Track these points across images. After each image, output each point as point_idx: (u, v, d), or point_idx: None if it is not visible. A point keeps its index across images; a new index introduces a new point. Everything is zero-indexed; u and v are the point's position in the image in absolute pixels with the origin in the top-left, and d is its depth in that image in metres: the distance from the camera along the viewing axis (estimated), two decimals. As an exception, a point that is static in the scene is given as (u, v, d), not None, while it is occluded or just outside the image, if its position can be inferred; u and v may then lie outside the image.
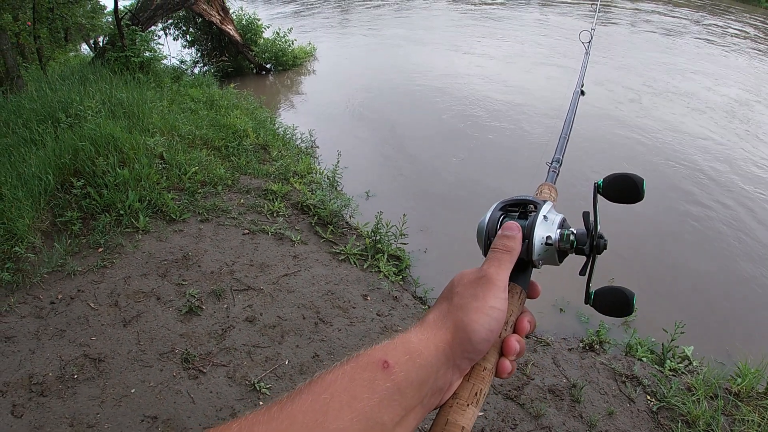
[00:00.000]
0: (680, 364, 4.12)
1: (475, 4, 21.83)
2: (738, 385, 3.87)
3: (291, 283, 4.33)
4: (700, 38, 16.76)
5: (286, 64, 12.74)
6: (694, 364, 4.23)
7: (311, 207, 5.47)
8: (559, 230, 0.76)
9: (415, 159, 7.97)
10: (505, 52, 14.36)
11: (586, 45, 1.96)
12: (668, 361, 4.10)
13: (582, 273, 0.78)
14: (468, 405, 0.67)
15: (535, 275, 0.81)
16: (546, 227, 0.76)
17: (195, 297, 3.97)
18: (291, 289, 4.25)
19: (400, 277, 4.73)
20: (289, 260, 4.65)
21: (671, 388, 3.67)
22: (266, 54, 12.68)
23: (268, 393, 3.20)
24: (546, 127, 9.18)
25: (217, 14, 11.32)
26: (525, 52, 14.30)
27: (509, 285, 0.73)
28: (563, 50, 13.75)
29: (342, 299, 4.20)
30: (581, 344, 4.20)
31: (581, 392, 3.55)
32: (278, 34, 12.92)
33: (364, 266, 4.69)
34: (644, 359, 4.09)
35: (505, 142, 8.74)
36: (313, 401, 0.56)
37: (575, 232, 0.75)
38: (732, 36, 17.18)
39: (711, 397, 3.69)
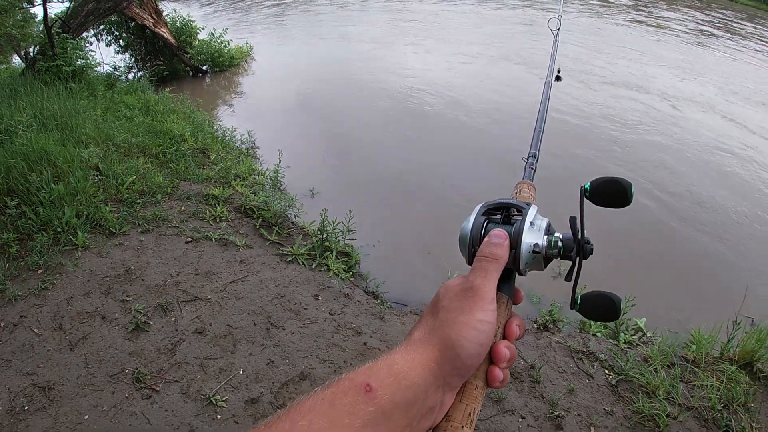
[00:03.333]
0: (634, 337, 4.32)
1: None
2: (693, 352, 4.06)
3: (239, 290, 4.30)
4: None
5: (223, 65, 12.51)
6: (648, 335, 4.42)
7: (255, 209, 5.42)
8: (546, 236, 0.74)
9: (361, 153, 8.04)
10: (452, 43, 14.68)
11: (555, 33, 1.89)
12: (622, 334, 4.28)
13: (568, 278, 0.77)
14: (462, 427, 0.66)
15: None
16: (533, 234, 0.74)
17: (141, 313, 3.90)
18: (239, 296, 4.22)
19: (350, 273, 4.78)
20: (235, 266, 4.61)
21: (628, 360, 3.84)
22: (202, 56, 12.41)
23: (224, 405, 3.19)
24: (491, 115, 9.43)
25: (150, 17, 10.96)
26: (473, 43, 14.61)
27: (496, 294, 0.71)
28: (505, 37, 14.17)
29: (293, 301, 4.21)
30: (535, 325, 4.35)
31: (540, 372, 3.69)
32: (213, 35, 12.64)
33: (313, 266, 4.71)
34: (598, 335, 4.26)
35: (451, 130, 8.90)
36: (291, 428, 0.54)
37: (562, 237, 0.74)
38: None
39: (668, 366, 3.87)
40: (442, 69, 12.41)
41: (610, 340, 4.18)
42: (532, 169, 1.06)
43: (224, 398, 3.25)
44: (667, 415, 3.41)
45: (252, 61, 13.60)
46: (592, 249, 0.74)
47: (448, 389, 0.66)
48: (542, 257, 0.74)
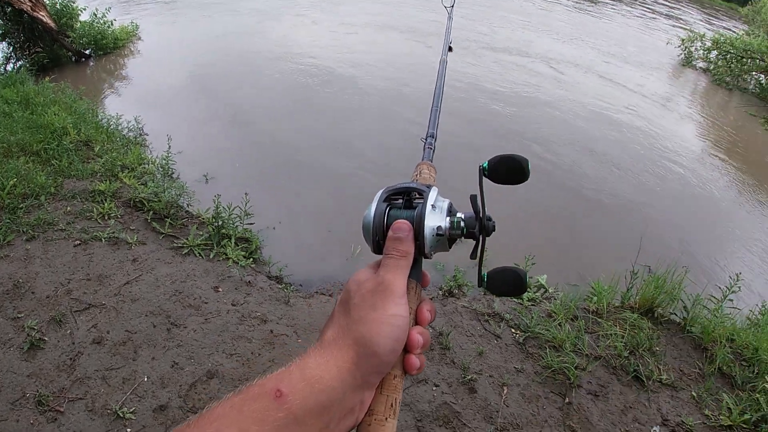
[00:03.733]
0: (537, 294, 4.63)
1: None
2: (595, 303, 4.41)
3: (134, 291, 4.20)
4: None
5: (107, 47, 11.53)
6: (550, 291, 4.75)
7: (145, 202, 5.26)
8: (448, 218, 0.75)
9: (256, 133, 7.92)
10: (351, 20, 14.43)
11: (449, 9, 1.88)
12: (527, 292, 4.58)
13: (473, 256, 0.78)
14: (386, 419, 0.66)
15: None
16: (435, 217, 0.74)
17: (35, 329, 3.76)
18: (135, 298, 4.13)
19: (251, 260, 4.79)
20: (128, 266, 4.49)
21: (533, 318, 4.12)
22: (84, 39, 11.32)
23: (133, 417, 3.20)
24: (386, 90, 9.49)
25: (27, 0, 10.05)
26: (373, 21, 14.44)
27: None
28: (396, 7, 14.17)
29: (192, 296, 4.20)
30: (440, 291, 4.57)
31: (449, 339, 3.93)
32: (96, 15, 11.72)
33: (211, 256, 4.68)
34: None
35: (349, 106, 8.92)
36: None
37: (464, 217, 0.75)
38: None
39: (572, 319, 4.20)
40: (340, 42, 12.34)
41: (515, 300, 4.44)
42: (431, 149, 1.05)
43: (131, 409, 3.25)
44: (576, 367, 3.73)
45: (138, 41, 12.75)
46: (494, 226, 0.76)
47: (368, 387, 0.66)
48: (446, 239, 0.75)
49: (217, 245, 4.81)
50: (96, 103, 8.79)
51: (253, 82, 9.90)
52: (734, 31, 14.59)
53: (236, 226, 5.11)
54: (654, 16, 17.92)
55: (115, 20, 12.07)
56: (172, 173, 6.32)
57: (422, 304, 0.75)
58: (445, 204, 0.77)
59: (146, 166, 6.33)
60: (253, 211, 5.22)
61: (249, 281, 4.47)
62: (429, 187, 0.79)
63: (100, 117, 7.66)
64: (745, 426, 3.49)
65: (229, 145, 7.50)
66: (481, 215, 0.75)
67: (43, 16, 10.49)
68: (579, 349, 3.87)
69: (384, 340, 0.65)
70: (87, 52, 11.63)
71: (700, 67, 12.69)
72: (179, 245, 4.79)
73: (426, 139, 1.07)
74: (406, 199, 0.79)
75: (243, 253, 4.81)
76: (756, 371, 3.95)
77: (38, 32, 11.14)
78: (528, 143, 7.98)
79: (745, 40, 12.06)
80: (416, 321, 0.73)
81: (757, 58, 11.48)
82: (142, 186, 5.52)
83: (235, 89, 9.59)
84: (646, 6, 19.49)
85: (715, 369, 3.93)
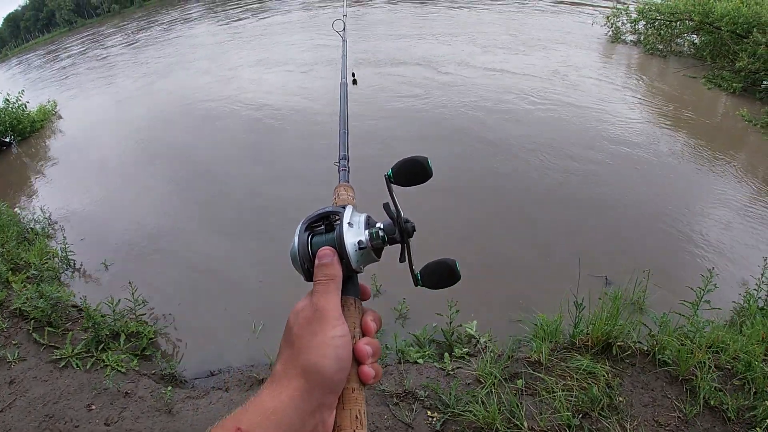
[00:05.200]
0: (464, 350, 3.84)
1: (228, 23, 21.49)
2: (536, 351, 3.51)
3: (7, 421, 3.69)
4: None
5: (25, 132, 11.32)
6: (482, 341, 3.95)
7: (28, 310, 4.84)
8: (367, 231, 0.77)
9: (152, 208, 7.34)
10: (273, 60, 14.41)
11: (342, 33, 1.90)
12: (456, 348, 3.85)
13: (402, 260, 0.81)
14: (354, 430, 0.68)
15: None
16: (354, 233, 0.77)
17: None
18: (7, 429, 3.69)
19: (135, 362, 4.30)
20: (4, 389, 4.02)
21: (452, 395, 3.25)
22: (0, 127, 11.16)
23: None
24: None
25: None
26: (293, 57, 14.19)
27: (342, 299, 0.74)
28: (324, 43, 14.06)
29: (63, 420, 3.69)
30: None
31: None
32: (8, 100, 11.41)
33: (89, 366, 4.24)
34: (420, 361, 3.76)
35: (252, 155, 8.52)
36: None
37: (382, 226, 0.78)
38: None
39: (507, 379, 3.35)
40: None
41: (435, 365, 3.67)
42: (346, 170, 1.07)
43: None
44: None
45: (58, 119, 12.50)
46: (413, 227, 0.79)
47: (326, 409, 0.67)
48: (370, 250, 0.77)
49: (96, 350, 4.35)
50: (17, 195, 8.38)
51: (148, 156, 9.31)
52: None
53: (126, 321, 4.67)
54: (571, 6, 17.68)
55: (28, 102, 11.76)
56: (73, 264, 5.90)
57: (365, 316, 0.77)
58: (362, 218, 0.80)
59: (50, 259, 5.88)
60: (149, 298, 4.79)
61: (127, 391, 3.91)
62: (344, 206, 0.81)
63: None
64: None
65: (128, 225, 6.87)
66: (398, 220, 0.78)
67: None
68: (516, 423, 2.97)
69: (329, 362, 0.66)
70: (6, 139, 11.31)
71: (631, 41, 12.36)
72: (57, 357, 4.32)
73: (339, 162, 1.10)
74: (326, 224, 0.81)
75: (127, 354, 4.32)
76: (752, 392, 3.10)
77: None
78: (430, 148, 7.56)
79: (670, 4, 11.77)
80: (363, 333, 0.75)
81: (686, 19, 11.20)
82: (33, 288, 5.05)
83: (135, 164, 9.05)
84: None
85: (700, 407, 3.05)
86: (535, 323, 3.82)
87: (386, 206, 0.78)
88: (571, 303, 3.64)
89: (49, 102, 12.60)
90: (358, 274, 0.79)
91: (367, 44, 13.88)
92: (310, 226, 0.81)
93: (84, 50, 23.09)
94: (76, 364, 4.22)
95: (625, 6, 13.07)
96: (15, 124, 11.31)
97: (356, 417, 0.69)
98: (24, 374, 4.18)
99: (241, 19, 22.79)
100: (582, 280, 3.97)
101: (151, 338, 4.59)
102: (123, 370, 4.15)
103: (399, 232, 0.78)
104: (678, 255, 5.15)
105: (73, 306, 5.09)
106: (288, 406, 0.64)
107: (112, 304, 4.58)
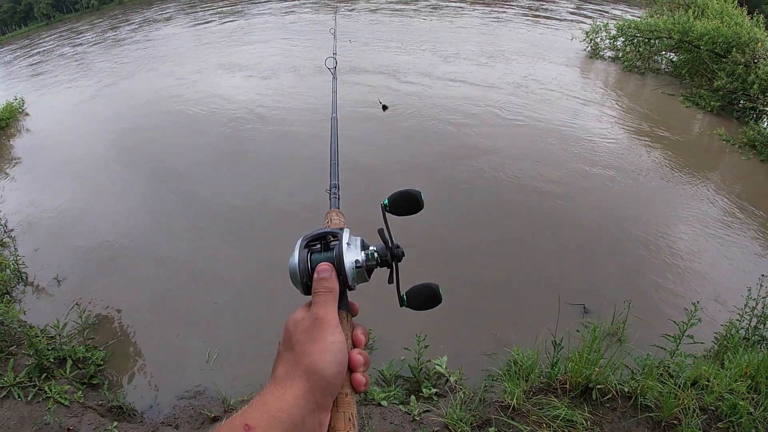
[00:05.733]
0: (433, 390, 3.56)
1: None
2: (509, 394, 3.19)
3: None
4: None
5: None
6: (452, 379, 3.65)
7: (-33, 334, 4.49)
8: (363, 252, 0.83)
9: (110, 222, 6.79)
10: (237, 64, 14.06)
11: (333, 70, 1.96)
12: (424, 387, 3.57)
13: (390, 281, 0.86)
14: (348, 430, 0.72)
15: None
16: (352, 253, 0.82)
17: None
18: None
19: (80, 392, 3.95)
20: (-66, 423, 3.75)
21: None
22: None
23: None
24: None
25: None
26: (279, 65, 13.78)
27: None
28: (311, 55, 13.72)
29: (-1, 460, 3.43)
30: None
31: None
32: None
33: (30, 397, 3.89)
34: (384, 403, 3.45)
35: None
36: None
37: (377, 249, 0.84)
38: None
39: (477, 426, 3.06)
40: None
41: (401, 408, 3.36)
42: (336, 197, 1.14)
43: None
44: None
45: (25, 117, 12.09)
46: (403, 252, 0.85)
47: (323, 410, 0.70)
48: (365, 270, 0.82)
49: (38, 379, 4.02)
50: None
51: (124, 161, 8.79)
52: (636, 16, 14.35)
53: (74, 347, 4.35)
54: (548, 20, 17.62)
55: (-6, 99, 11.38)
56: (25, 278, 5.54)
57: (355, 329, 0.82)
58: (357, 240, 0.86)
59: (2, 271, 5.50)
60: (107, 313, 4.48)
61: (70, 428, 3.61)
62: (342, 229, 0.87)
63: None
64: None
65: (87, 235, 6.42)
66: (390, 245, 0.84)
67: None
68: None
69: (329, 365, 0.70)
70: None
71: (609, 57, 12.30)
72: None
73: (330, 190, 1.17)
74: (323, 243, 0.85)
75: (72, 384, 3.99)
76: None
77: None
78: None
79: (650, 22, 11.77)
80: (354, 345, 0.79)
81: (665, 37, 11.19)
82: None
83: (97, 171, 8.51)
84: (540, 14, 19.24)
85: (686, 458, 2.81)
86: (510, 360, 3.56)
87: (381, 231, 0.85)
88: (547, 338, 3.41)
89: (16, 99, 12.19)
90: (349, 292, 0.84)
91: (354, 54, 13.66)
92: (308, 245, 0.85)
93: (56, 46, 22.44)
94: (18, 395, 3.87)
95: (605, 23, 13.04)
96: (-22, 122, 10.95)
97: (349, 419, 0.73)
98: (-41, 410, 3.83)
99: (208, 22, 22.42)
100: (560, 308, 3.80)
101: (99, 365, 4.26)
102: (66, 402, 3.82)
103: (390, 255, 0.83)
104: (656, 278, 4.99)
105: (21, 325, 4.73)
106: (293, 406, 0.66)
107: (58, 327, 4.25)
